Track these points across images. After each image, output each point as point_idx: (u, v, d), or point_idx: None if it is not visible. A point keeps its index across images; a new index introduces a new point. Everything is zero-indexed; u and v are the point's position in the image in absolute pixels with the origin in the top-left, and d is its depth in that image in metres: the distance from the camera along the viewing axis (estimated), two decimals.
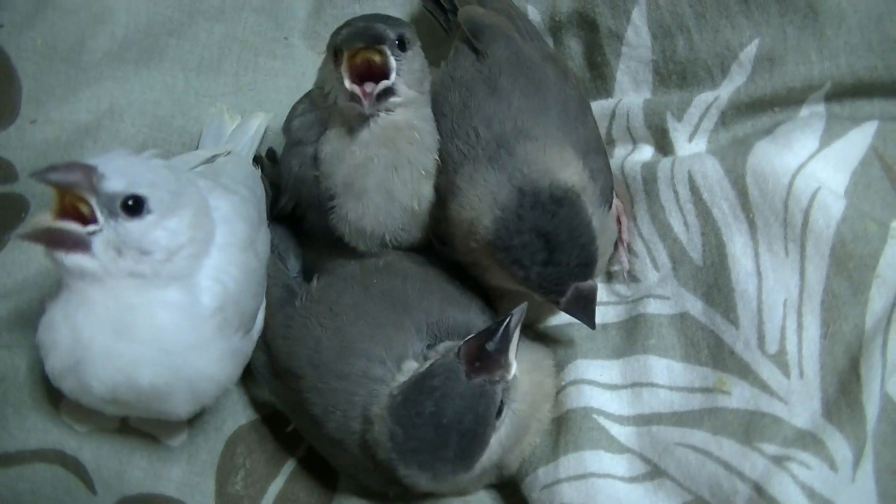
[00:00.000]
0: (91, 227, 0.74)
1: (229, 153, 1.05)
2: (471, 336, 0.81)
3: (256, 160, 1.11)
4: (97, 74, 1.08)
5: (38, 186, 0.98)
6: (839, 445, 0.75)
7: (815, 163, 0.85)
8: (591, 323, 0.86)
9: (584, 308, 0.85)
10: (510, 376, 0.82)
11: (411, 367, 0.85)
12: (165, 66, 1.14)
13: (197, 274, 0.82)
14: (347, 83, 0.89)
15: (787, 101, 0.92)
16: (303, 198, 1.01)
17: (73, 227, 0.74)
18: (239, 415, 1.03)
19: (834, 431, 0.76)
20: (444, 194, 0.92)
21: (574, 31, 1.11)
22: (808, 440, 0.77)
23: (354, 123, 0.93)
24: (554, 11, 1.12)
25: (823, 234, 0.82)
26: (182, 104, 1.13)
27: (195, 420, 0.99)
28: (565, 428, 0.91)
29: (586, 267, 0.83)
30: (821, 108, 0.92)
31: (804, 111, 0.92)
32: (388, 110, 0.92)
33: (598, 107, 1.07)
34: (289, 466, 1.04)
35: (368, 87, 0.89)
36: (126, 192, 0.75)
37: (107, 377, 0.78)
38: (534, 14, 1.15)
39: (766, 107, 0.94)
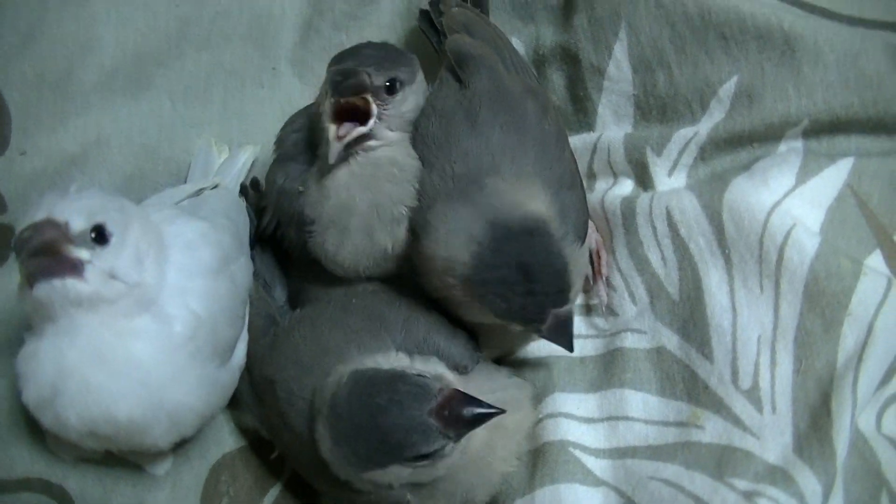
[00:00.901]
0: (82, 258, 0.77)
1: (216, 186, 1.06)
2: (460, 393, 0.81)
3: (242, 190, 1.12)
4: (85, 104, 1.09)
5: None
6: (809, 481, 0.76)
7: (791, 200, 0.86)
8: (569, 347, 0.85)
9: (562, 333, 0.84)
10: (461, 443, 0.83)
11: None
12: (153, 95, 1.14)
13: (163, 300, 0.83)
14: (326, 121, 0.89)
15: (765, 137, 0.93)
16: (284, 213, 1.01)
17: (71, 253, 0.77)
18: (223, 443, 1.04)
19: (804, 467, 0.77)
20: (416, 229, 0.92)
21: (557, 65, 1.13)
22: (779, 475, 0.78)
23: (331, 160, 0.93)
24: (538, 45, 1.14)
25: (798, 271, 0.83)
26: (169, 133, 1.14)
27: (179, 448, 0.99)
28: (542, 460, 0.92)
29: (563, 293, 0.83)
30: (798, 143, 0.92)
31: (782, 147, 0.93)
32: (367, 150, 0.93)
33: (580, 140, 1.08)
34: (272, 493, 1.05)
35: (343, 129, 0.89)
36: (91, 225, 0.77)
37: (84, 411, 0.79)
38: (518, 46, 1.16)
39: (744, 142, 0.94)
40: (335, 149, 0.89)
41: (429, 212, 0.90)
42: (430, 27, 1.15)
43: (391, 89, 0.92)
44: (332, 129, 0.89)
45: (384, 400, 0.79)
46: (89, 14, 1.11)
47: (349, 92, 0.88)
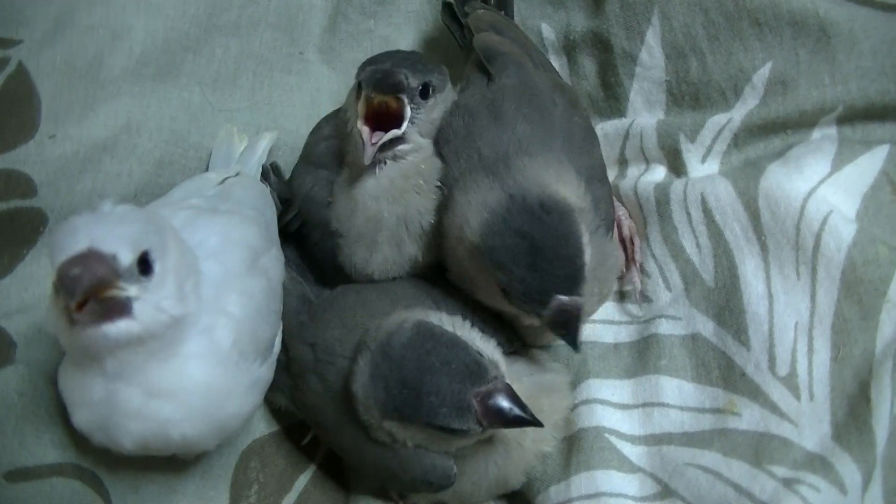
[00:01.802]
0: (131, 295, 0.73)
1: (238, 174, 1.06)
2: (510, 390, 0.80)
3: (264, 174, 1.11)
4: (115, 90, 1.08)
5: (56, 201, 1.02)
6: (848, 468, 0.76)
7: (827, 187, 0.86)
8: (574, 343, 0.82)
9: (566, 325, 0.81)
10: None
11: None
12: (182, 81, 1.14)
13: (202, 315, 0.81)
14: (359, 123, 0.89)
15: (799, 124, 0.93)
16: (311, 218, 1.02)
17: (122, 292, 0.72)
18: (253, 429, 1.04)
19: (843, 454, 0.77)
20: (441, 213, 0.92)
21: (588, 51, 1.12)
22: (818, 463, 0.78)
23: (361, 165, 0.93)
24: (568, 30, 1.14)
25: (834, 258, 0.82)
26: (198, 120, 1.13)
27: None
28: (577, 447, 0.92)
29: (571, 280, 0.80)
30: (832, 131, 0.92)
31: (816, 134, 0.93)
32: (396, 157, 0.93)
33: (612, 126, 1.08)
34: (302, 481, 1.05)
35: (376, 136, 0.89)
36: (137, 255, 0.72)
37: (138, 435, 0.78)
38: (548, 32, 1.16)
39: (778, 129, 0.94)
40: (369, 151, 0.89)
41: (453, 188, 0.90)
42: (452, 21, 1.16)
43: (424, 93, 0.92)
44: (365, 130, 0.89)
45: (439, 361, 0.79)
46: (119, 1, 1.10)
47: (388, 89, 0.88)
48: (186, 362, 0.78)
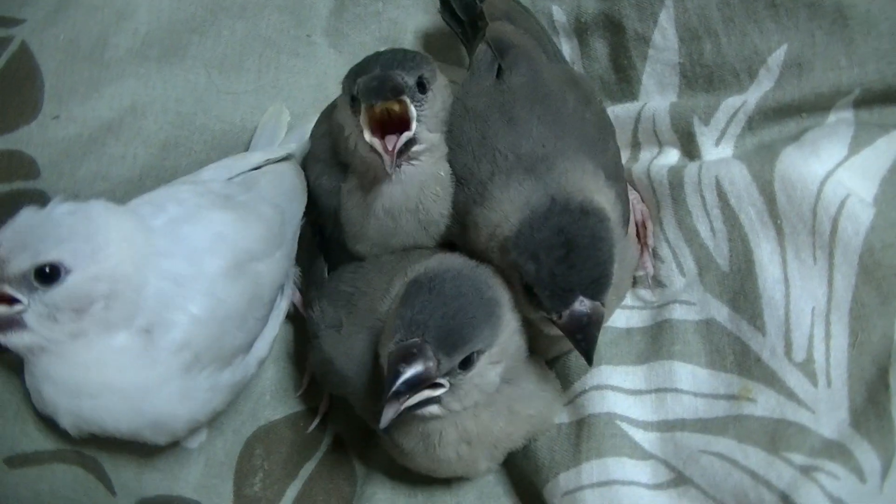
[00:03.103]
0: (17, 307, 0.75)
1: (288, 156, 1.06)
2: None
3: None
4: (120, 71, 1.08)
5: (60, 183, 1.01)
6: (867, 456, 0.75)
7: (844, 171, 0.85)
8: (588, 353, 0.80)
9: (584, 331, 0.79)
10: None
11: None
12: (188, 63, 1.13)
13: (147, 313, 0.81)
14: (367, 136, 0.86)
15: (814, 107, 0.92)
16: (321, 205, 1.01)
17: (3, 289, 0.74)
18: (258, 416, 1.04)
19: (862, 441, 0.75)
20: (464, 205, 0.92)
21: (600, 33, 1.11)
22: (836, 450, 0.76)
23: (377, 175, 0.91)
24: (579, 12, 1.12)
25: (852, 242, 0.81)
26: (204, 102, 1.13)
27: (214, 421, 0.99)
28: (587, 433, 0.91)
29: (599, 284, 0.80)
30: (849, 114, 0.91)
31: (832, 117, 0.92)
32: (411, 160, 0.91)
33: (623, 109, 1.07)
34: (307, 469, 1.04)
35: (390, 141, 0.87)
36: (34, 265, 0.74)
37: (77, 429, 0.80)
38: (559, 15, 1.15)
39: (793, 112, 0.93)
40: (388, 161, 0.86)
41: (489, 183, 0.89)
42: (452, 18, 1.15)
43: (422, 88, 0.90)
44: (376, 141, 0.86)
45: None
46: None
47: (389, 94, 0.85)
48: (109, 358, 0.79)
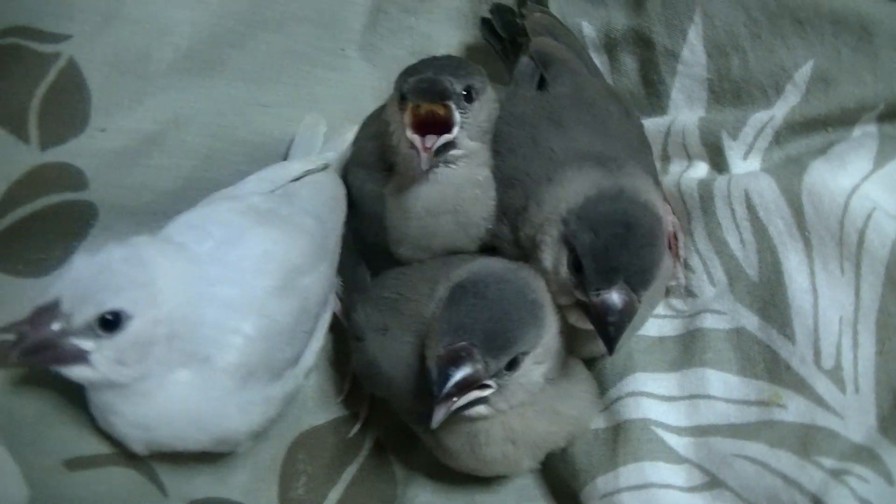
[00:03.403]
0: (85, 349, 0.77)
1: (326, 167, 1.08)
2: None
3: None
4: (162, 85, 1.10)
5: (107, 194, 1.03)
6: (895, 460, 0.77)
7: (870, 184, 0.87)
8: (611, 343, 0.81)
9: (615, 317, 0.80)
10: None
11: None
12: (227, 77, 1.15)
13: (203, 341, 0.84)
14: (409, 132, 0.89)
15: (840, 122, 0.94)
16: (364, 211, 1.03)
17: (70, 342, 0.77)
18: (301, 422, 1.06)
19: (890, 446, 0.78)
20: (516, 200, 0.94)
21: (629, 49, 1.14)
22: (865, 454, 0.79)
23: (415, 175, 0.94)
24: (609, 28, 1.15)
25: (878, 253, 0.84)
26: (244, 115, 1.15)
27: None
28: (624, 438, 0.93)
29: (644, 275, 0.82)
30: (873, 128, 0.93)
31: (857, 131, 0.94)
32: (447, 163, 0.93)
33: (653, 123, 1.09)
34: (349, 472, 1.06)
35: (429, 140, 0.89)
36: (98, 315, 0.76)
37: (147, 450, 0.85)
38: (588, 30, 1.17)
39: (819, 126, 0.95)
40: (424, 157, 0.89)
41: (555, 171, 0.91)
42: (492, 35, 1.18)
43: (469, 97, 0.92)
44: (416, 138, 0.89)
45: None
46: None
47: (435, 97, 0.88)
48: (171, 395, 0.82)
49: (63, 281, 0.77)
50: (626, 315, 0.81)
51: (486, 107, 0.96)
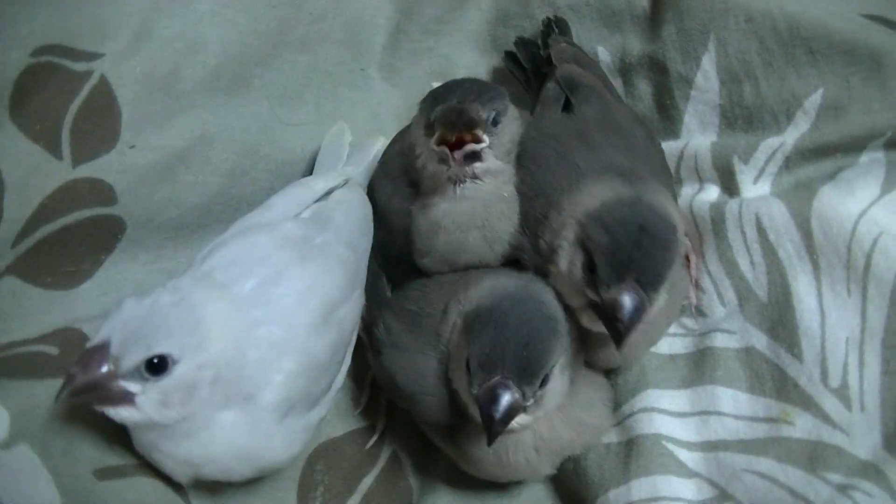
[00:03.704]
0: (131, 391, 0.79)
1: (347, 182, 1.09)
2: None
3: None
4: (190, 102, 1.12)
5: (135, 208, 1.05)
6: None
7: (877, 209, 0.90)
8: (618, 338, 0.83)
9: (622, 315, 0.82)
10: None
11: None
12: (253, 95, 1.17)
13: (248, 379, 0.85)
14: (435, 147, 0.92)
15: (849, 148, 0.97)
16: (392, 226, 1.05)
17: (118, 384, 0.79)
18: (319, 434, 1.07)
19: (895, 463, 0.80)
20: (539, 210, 0.96)
21: (644, 74, 1.17)
22: (871, 471, 0.81)
23: (444, 192, 0.97)
24: (624, 53, 1.18)
25: (885, 276, 0.86)
26: (269, 133, 1.17)
27: None
28: (636, 452, 0.96)
29: (655, 275, 0.84)
30: (880, 154, 0.96)
31: (864, 157, 0.96)
32: (475, 178, 0.96)
33: (667, 147, 1.11)
34: (366, 483, 1.08)
35: (458, 153, 0.92)
36: (145, 359, 0.78)
37: (193, 483, 0.89)
38: (604, 55, 1.21)
39: (829, 153, 0.98)
40: (455, 169, 0.92)
41: (578, 182, 0.94)
42: (516, 66, 1.21)
43: (495, 121, 0.95)
44: (445, 150, 0.91)
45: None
46: (196, 15, 1.14)
47: (464, 128, 0.90)
48: (216, 435, 0.84)
49: (112, 323, 0.79)
50: (636, 314, 0.83)
51: (510, 126, 0.98)
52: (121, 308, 0.80)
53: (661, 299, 0.86)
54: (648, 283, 0.83)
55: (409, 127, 1.06)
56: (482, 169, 0.95)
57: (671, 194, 0.97)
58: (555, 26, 1.20)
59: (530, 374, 0.82)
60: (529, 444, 0.92)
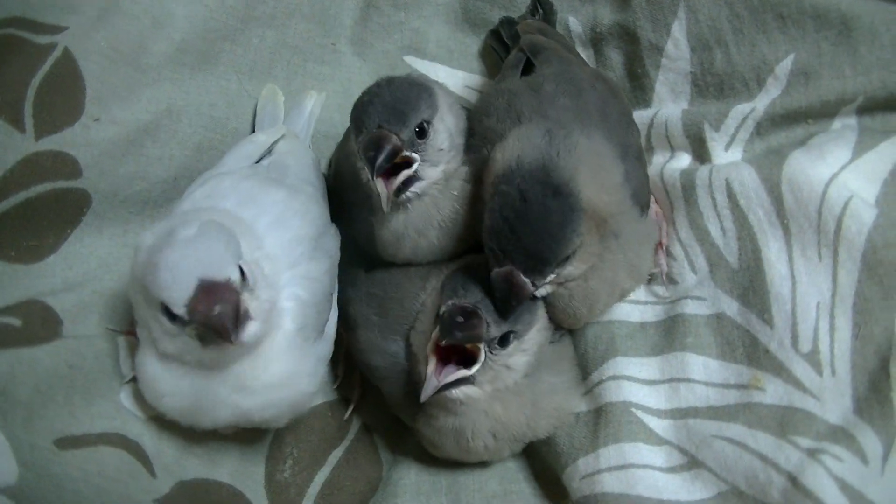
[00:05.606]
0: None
1: (284, 136, 1.10)
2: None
3: None
4: (156, 76, 1.12)
5: (101, 182, 1.05)
6: (870, 440, 0.79)
7: (848, 173, 0.89)
8: (503, 310, 0.85)
9: (498, 294, 0.84)
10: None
11: None
12: (220, 70, 1.17)
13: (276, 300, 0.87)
14: (366, 174, 0.91)
15: (820, 114, 0.96)
16: (355, 228, 1.06)
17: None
18: None
19: (865, 427, 0.79)
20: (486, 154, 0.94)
21: (615, 43, 1.16)
22: (841, 435, 0.80)
23: (396, 209, 0.97)
24: (595, 23, 1.17)
25: (855, 240, 0.85)
26: (236, 107, 1.17)
27: None
28: (605, 421, 0.95)
29: (536, 261, 0.83)
30: (852, 120, 0.95)
31: (836, 123, 0.96)
32: (420, 196, 0.96)
33: (638, 116, 1.11)
34: (335, 456, 1.08)
35: (390, 182, 0.91)
36: (238, 271, 0.81)
37: (222, 420, 0.88)
38: (575, 25, 1.20)
39: (800, 118, 0.97)
40: (385, 203, 0.92)
41: (511, 130, 0.92)
42: (499, 43, 1.22)
43: (421, 133, 0.93)
44: (380, 183, 0.90)
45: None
46: None
47: (386, 163, 0.89)
48: (270, 360, 0.86)
49: (188, 268, 0.79)
50: (513, 296, 0.83)
51: (443, 123, 0.96)
52: (174, 259, 0.79)
53: (571, 270, 0.87)
54: (528, 269, 0.83)
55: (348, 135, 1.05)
56: (421, 187, 0.95)
57: (621, 146, 0.94)
58: (540, 8, 1.20)
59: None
60: (486, 430, 0.92)
